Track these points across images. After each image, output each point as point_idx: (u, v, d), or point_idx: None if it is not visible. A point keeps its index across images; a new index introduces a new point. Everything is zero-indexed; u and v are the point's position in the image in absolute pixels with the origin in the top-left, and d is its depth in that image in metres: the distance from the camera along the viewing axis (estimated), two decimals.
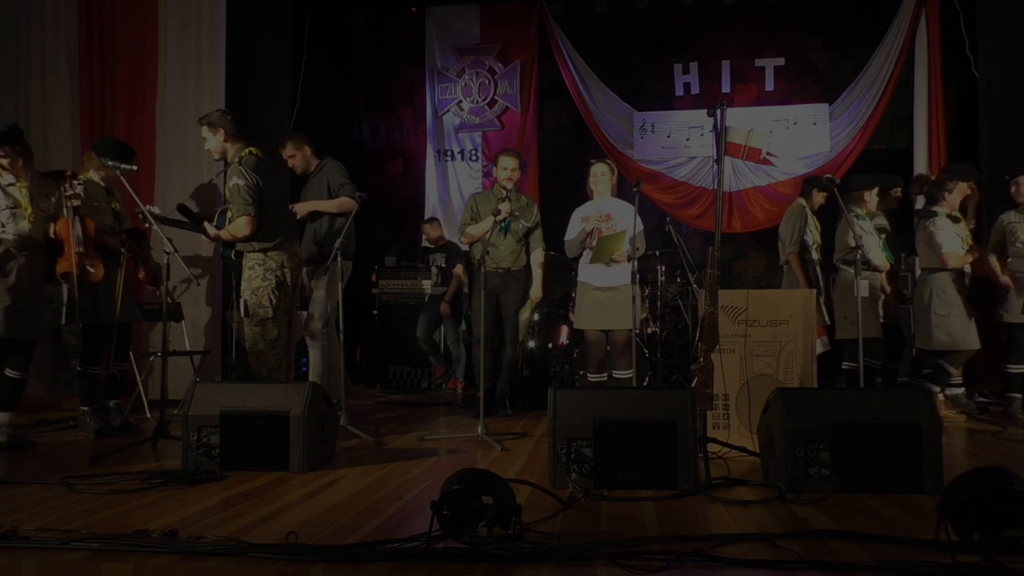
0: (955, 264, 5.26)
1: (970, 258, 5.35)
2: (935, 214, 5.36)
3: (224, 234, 4.56)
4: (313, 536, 2.44)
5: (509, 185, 5.47)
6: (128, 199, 4.78)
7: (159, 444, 4.21)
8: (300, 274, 4.85)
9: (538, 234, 5.65)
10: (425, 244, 8.09)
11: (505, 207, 5.27)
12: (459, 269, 7.54)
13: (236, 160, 4.50)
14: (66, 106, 6.11)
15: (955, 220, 5.37)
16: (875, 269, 5.35)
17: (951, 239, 5.26)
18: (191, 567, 2.17)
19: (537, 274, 5.65)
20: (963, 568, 2.07)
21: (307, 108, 8.28)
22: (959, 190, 5.41)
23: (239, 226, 4.42)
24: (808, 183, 5.88)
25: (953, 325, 5.22)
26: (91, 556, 2.24)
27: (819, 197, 5.83)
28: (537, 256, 5.64)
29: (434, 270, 7.80)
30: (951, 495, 2.29)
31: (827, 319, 5.54)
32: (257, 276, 4.52)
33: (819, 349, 5.04)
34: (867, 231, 5.33)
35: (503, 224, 4.82)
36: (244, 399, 3.59)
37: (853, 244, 4.89)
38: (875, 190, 5.61)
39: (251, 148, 4.55)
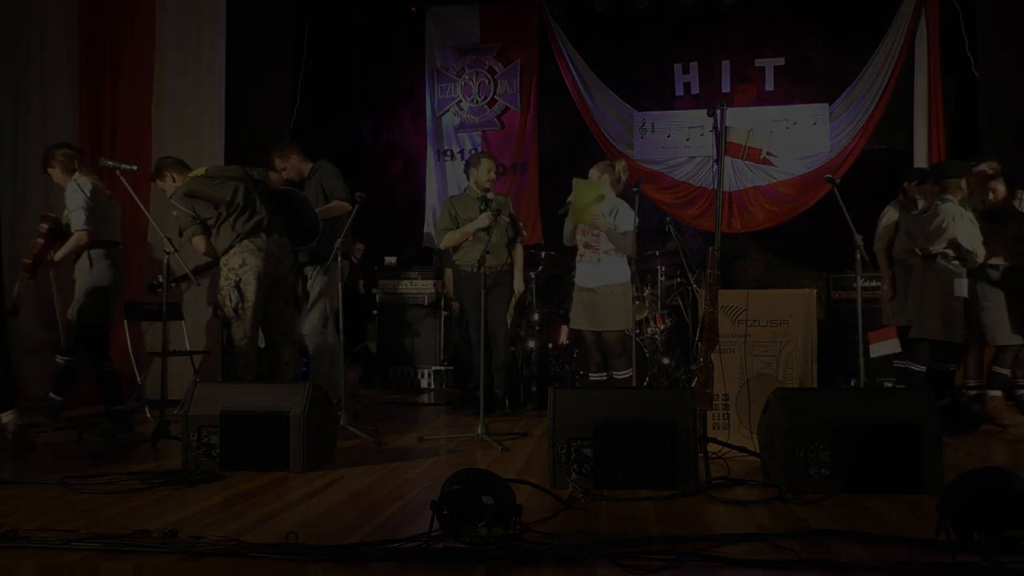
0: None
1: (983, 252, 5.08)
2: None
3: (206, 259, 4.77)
4: (313, 536, 2.44)
5: (490, 187, 5.53)
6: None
7: (159, 444, 4.21)
8: (274, 266, 4.62)
9: (516, 229, 5.69)
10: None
11: (485, 217, 5.29)
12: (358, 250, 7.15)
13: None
14: (65, 107, 6.11)
15: (989, 215, 5.16)
16: (972, 263, 5.08)
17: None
18: (191, 567, 2.18)
19: (518, 269, 5.67)
20: (963, 568, 2.08)
21: (307, 108, 8.27)
22: (980, 181, 5.18)
23: (196, 245, 4.62)
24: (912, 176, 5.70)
25: (986, 321, 5.05)
26: (91, 556, 2.24)
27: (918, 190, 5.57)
28: (516, 251, 5.69)
29: None
30: (951, 495, 2.30)
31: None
32: (223, 277, 4.58)
33: (887, 351, 4.87)
34: (965, 220, 5.06)
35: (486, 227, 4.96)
36: (244, 399, 3.60)
37: (951, 236, 4.78)
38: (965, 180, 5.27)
39: (187, 175, 4.70)
